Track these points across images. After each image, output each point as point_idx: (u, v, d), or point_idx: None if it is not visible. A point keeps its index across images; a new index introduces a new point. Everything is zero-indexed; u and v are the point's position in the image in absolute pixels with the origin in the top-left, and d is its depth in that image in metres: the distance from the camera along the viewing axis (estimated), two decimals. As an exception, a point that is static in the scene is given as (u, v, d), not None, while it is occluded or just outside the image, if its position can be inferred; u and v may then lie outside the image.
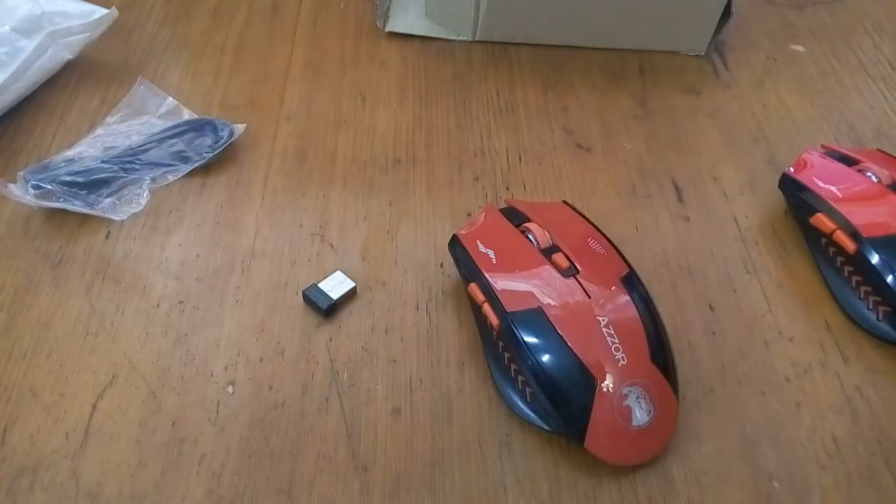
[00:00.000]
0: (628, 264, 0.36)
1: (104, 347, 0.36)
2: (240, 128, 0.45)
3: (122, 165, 0.42)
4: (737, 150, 0.46)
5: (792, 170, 0.41)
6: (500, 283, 0.34)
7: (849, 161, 0.41)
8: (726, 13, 0.50)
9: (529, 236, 0.36)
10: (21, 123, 0.46)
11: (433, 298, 0.38)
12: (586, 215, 0.39)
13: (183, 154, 0.44)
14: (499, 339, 0.34)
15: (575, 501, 0.32)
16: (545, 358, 0.32)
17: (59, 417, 0.33)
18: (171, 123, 0.45)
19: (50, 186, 0.40)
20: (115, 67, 0.50)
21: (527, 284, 0.34)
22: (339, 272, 0.38)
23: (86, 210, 0.40)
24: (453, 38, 0.53)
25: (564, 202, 0.40)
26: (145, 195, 0.41)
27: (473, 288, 0.35)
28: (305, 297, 0.38)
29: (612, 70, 0.52)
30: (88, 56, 0.50)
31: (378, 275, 0.39)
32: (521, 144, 0.46)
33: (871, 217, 0.37)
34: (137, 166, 0.43)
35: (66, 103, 0.47)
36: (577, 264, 0.34)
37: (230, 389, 0.35)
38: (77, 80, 0.49)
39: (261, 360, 0.36)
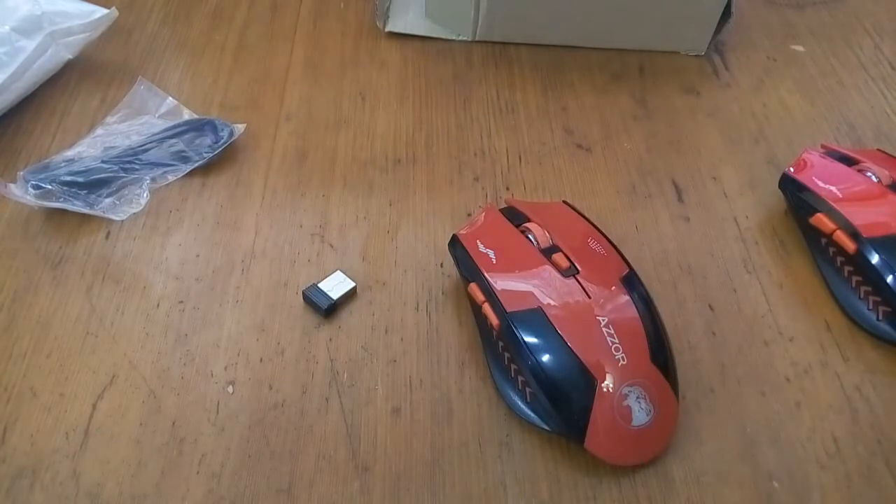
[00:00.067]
0: (628, 264, 0.36)
1: (104, 347, 0.36)
2: (240, 128, 0.45)
3: (122, 165, 0.42)
4: (737, 150, 0.46)
5: (792, 170, 0.41)
6: (500, 283, 0.34)
7: (849, 161, 0.41)
8: (726, 13, 0.50)
9: (529, 236, 0.36)
10: (21, 123, 0.46)
11: (433, 298, 0.38)
12: (586, 215, 0.39)
13: (183, 154, 0.44)
14: (499, 339, 0.34)
15: (575, 501, 0.32)
16: (545, 358, 0.32)
17: (59, 417, 0.33)
18: (171, 123, 0.45)
19: (50, 186, 0.40)
20: (115, 67, 0.50)
21: (527, 284, 0.34)
22: (339, 272, 0.38)
23: (86, 210, 0.40)
24: (453, 38, 0.53)
25: (564, 202, 0.40)
26: (145, 195, 0.41)
27: (473, 288, 0.35)
28: (305, 297, 0.38)
29: (612, 70, 0.52)
30: (88, 56, 0.50)
31: (378, 275, 0.39)
32: (521, 144, 0.46)
33: (871, 217, 0.37)
34: (137, 166, 0.43)
35: (66, 103, 0.48)
36: (577, 264, 0.34)
37: (230, 389, 0.35)
38: (77, 80, 0.49)
39: (261, 360, 0.36)
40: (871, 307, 0.37)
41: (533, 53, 0.52)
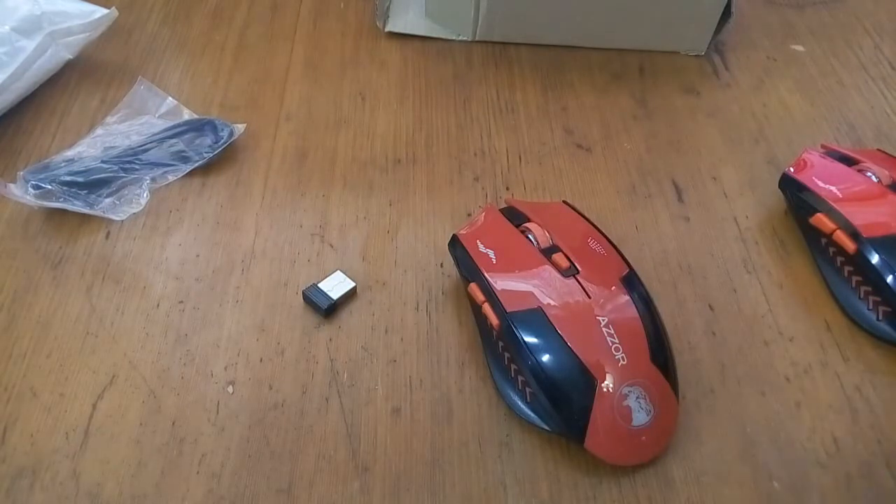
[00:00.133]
0: (628, 264, 0.36)
1: (104, 347, 0.36)
2: (240, 128, 0.45)
3: (122, 165, 0.42)
4: (737, 150, 0.46)
5: (792, 170, 0.41)
6: (500, 283, 0.34)
7: (849, 161, 0.41)
8: (726, 13, 0.50)
9: (529, 236, 0.36)
10: (21, 123, 0.46)
11: (433, 298, 0.38)
12: (586, 215, 0.39)
13: (183, 154, 0.44)
14: (499, 339, 0.34)
15: (575, 501, 0.32)
16: (545, 358, 0.32)
17: (59, 417, 0.33)
18: (171, 123, 0.45)
19: (50, 186, 0.40)
20: (115, 67, 0.50)
21: (527, 284, 0.34)
22: (339, 272, 0.38)
23: (86, 210, 0.40)
24: (453, 38, 0.53)
25: (564, 202, 0.40)
26: (145, 195, 0.41)
27: (473, 288, 0.35)
28: (305, 297, 0.38)
29: (612, 70, 0.52)
30: (88, 56, 0.50)
31: (378, 275, 0.39)
32: (521, 144, 0.46)
33: (871, 217, 0.37)
34: (137, 166, 0.43)
35: (66, 103, 0.48)
36: (577, 264, 0.34)
37: (230, 389, 0.35)
38: (77, 80, 0.49)
39: (261, 360, 0.36)
40: (871, 307, 0.37)
41: (533, 53, 0.52)
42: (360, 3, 0.56)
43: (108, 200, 0.41)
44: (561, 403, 0.32)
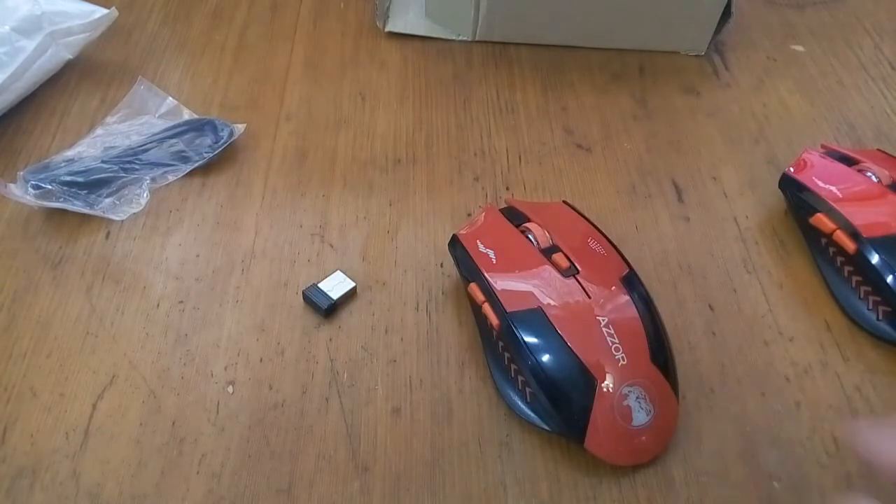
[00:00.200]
0: (628, 264, 0.36)
1: (104, 347, 0.36)
2: (240, 128, 0.45)
3: (122, 165, 0.42)
4: (737, 150, 0.46)
5: (792, 170, 0.41)
6: (500, 283, 0.34)
7: (849, 161, 0.41)
8: (726, 13, 0.50)
9: (529, 236, 0.36)
10: (21, 123, 0.46)
11: (433, 298, 0.38)
12: (586, 215, 0.39)
13: (183, 154, 0.44)
14: (499, 339, 0.34)
15: (575, 501, 0.32)
16: (545, 358, 0.32)
17: (59, 417, 0.33)
18: (171, 123, 0.45)
19: (50, 186, 0.40)
20: (115, 67, 0.50)
21: (527, 284, 0.34)
22: (339, 272, 0.38)
23: (86, 210, 0.40)
24: (453, 38, 0.53)
25: (564, 202, 0.40)
26: (145, 195, 0.41)
27: (473, 288, 0.35)
28: (305, 297, 0.38)
29: (612, 70, 0.52)
30: (88, 56, 0.50)
31: (378, 275, 0.39)
32: (521, 144, 0.46)
33: (871, 217, 0.37)
34: (137, 166, 0.43)
35: (66, 103, 0.47)
36: (577, 264, 0.34)
37: (230, 389, 0.35)
38: (77, 80, 0.49)
39: (261, 360, 0.36)
40: (871, 307, 0.37)
41: (533, 53, 0.52)
42: (360, 3, 0.56)
43: (108, 200, 0.41)
44: (561, 403, 0.32)
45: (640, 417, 0.31)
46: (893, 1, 0.59)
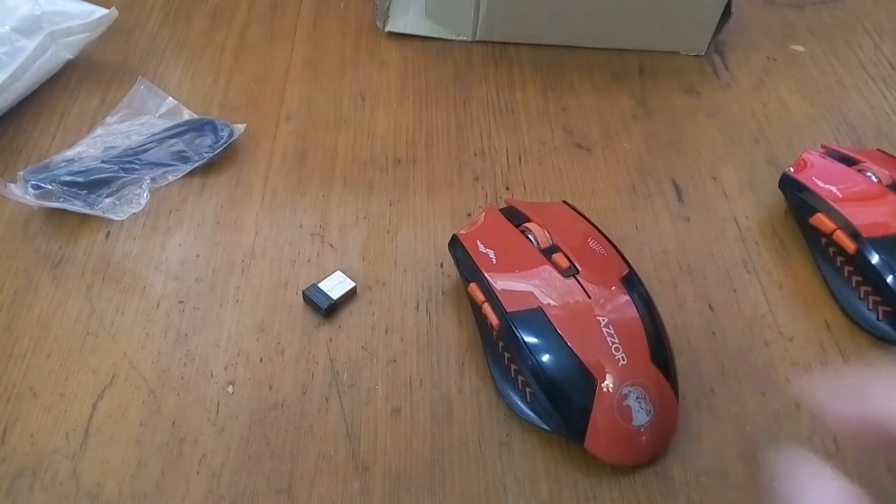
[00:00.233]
0: (628, 264, 0.36)
1: (104, 347, 0.36)
2: (240, 128, 0.45)
3: (122, 165, 0.42)
4: (737, 150, 0.46)
5: (792, 170, 0.41)
6: (500, 283, 0.34)
7: (849, 161, 0.41)
8: (726, 13, 0.50)
9: (529, 236, 0.36)
10: (21, 123, 0.46)
11: (433, 298, 0.38)
12: (586, 215, 0.39)
13: (183, 154, 0.44)
14: (499, 339, 0.34)
15: (575, 501, 0.32)
16: (545, 358, 0.32)
17: (59, 417, 0.33)
18: (171, 123, 0.45)
19: (50, 186, 0.40)
20: (115, 67, 0.50)
21: (527, 284, 0.34)
22: (339, 272, 0.38)
23: (86, 210, 0.40)
24: (453, 38, 0.53)
25: (564, 202, 0.40)
26: (145, 195, 0.41)
27: (473, 288, 0.35)
28: (305, 297, 0.38)
29: (612, 70, 0.52)
30: (88, 56, 0.50)
31: (378, 275, 0.39)
32: (521, 144, 0.46)
33: (871, 217, 0.37)
34: (137, 166, 0.43)
35: (66, 103, 0.48)
36: (577, 264, 0.34)
37: (230, 389, 0.35)
38: (77, 80, 0.49)
39: (261, 360, 0.36)
40: (871, 307, 0.37)
41: (533, 53, 0.52)
42: (360, 3, 0.56)
43: (108, 200, 0.41)
44: (561, 403, 0.32)
45: (640, 417, 0.31)
46: (893, 1, 0.59)
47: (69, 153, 0.43)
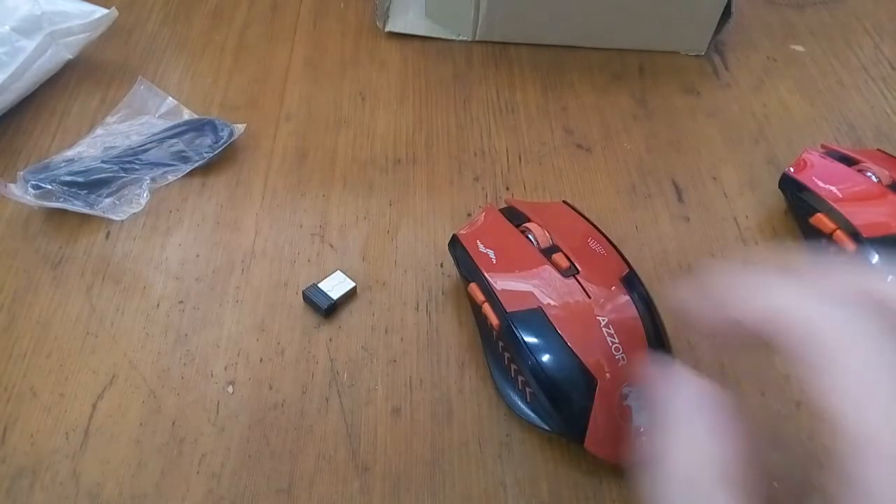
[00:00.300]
0: (628, 264, 0.36)
1: (104, 347, 0.36)
2: (240, 128, 0.45)
3: (122, 165, 0.42)
4: (737, 150, 0.46)
5: (792, 170, 0.41)
6: (500, 283, 0.34)
7: (849, 161, 0.41)
8: (726, 13, 0.50)
9: (529, 236, 0.36)
10: (21, 123, 0.46)
11: (433, 298, 0.38)
12: (586, 215, 0.39)
13: (183, 154, 0.44)
14: (499, 339, 0.34)
15: (575, 501, 0.32)
16: (545, 358, 0.32)
17: (59, 417, 0.33)
18: (171, 123, 0.45)
19: (50, 186, 0.40)
20: (115, 67, 0.50)
21: (527, 284, 0.34)
22: (339, 272, 0.38)
23: (86, 210, 0.40)
24: (453, 38, 0.53)
25: (564, 202, 0.40)
26: (145, 195, 0.41)
27: (473, 288, 0.35)
28: (305, 297, 0.38)
29: (612, 70, 0.52)
30: (88, 56, 0.50)
31: (378, 275, 0.39)
32: (521, 144, 0.46)
33: (871, 217, 0.37)
34: (137, 166, 0.43)
35: (66, 103, 0.48)
36: (577, 264, 0.34)
37: (230, 389, 0.35)
38: (77, 80, 0.49)
39: (261, 360, 0.36)
40: (871, 307, 0.37)
41: (533, 53, 0.52)
42: (360, 3, 0.56)
43: (108, 200, 0.41)
44: (561, 403, 0.32)
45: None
46: (893, 1, 0.59)
47: (69, 153, 0.43)
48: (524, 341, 0.32)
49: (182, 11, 0.55)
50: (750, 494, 0.20)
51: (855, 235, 0.37)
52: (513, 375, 0.34)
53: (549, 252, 0.35)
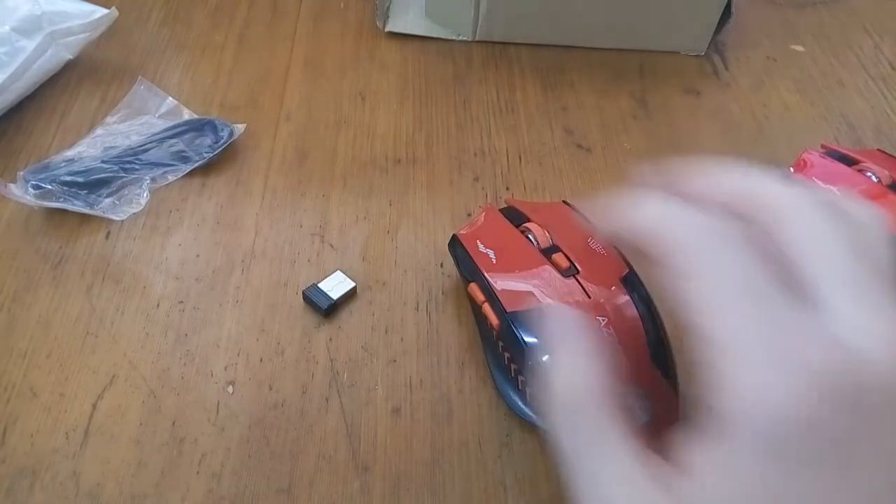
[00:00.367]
0: (628, 264, 0.36)
1: (104, 347, 0.36)
2: (240, 128, 0.45)
3: (122, 165, 0.42)
4: (737, 151, 0.46)
5: (792, 170, 0.41)
6: (500, 283, 0.34)
7: (849, 161, 0.40)
8: (726, 13, 0.50)
9: (529, 236, 0.36)
10: (21, 123, 0.46)
11: (433, 298, 0.38)
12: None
13: (183, 154, 0.44)
14: (499, 339, 0.34)
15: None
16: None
17: (59, 417, 0.33)
18: (171, 123, 0.45)
19: (50, 186, 0.40)
20: (115, 67, 0.50)
21: (527, 284, 0.34)
22: (339, 272, 0.38)
23: (86, 210, 0.40)
24: (453, 38, 0.53)
25: (564, 202, 0.40)
26: (145, 195, 0.41)
27: (473, 288, 0.35)
28: (305, 297, 0.38)
29: (612, 70, 0.52)
30: (88, 56, 0.50)
31: (378, 275, 0.39)
32: (521, 144, 0.46)
33: (871, 217, 0.37)
34: (137, 166, 0.43)
35: (66, 103, 0.47)
36: (577, 264, 0.34)
37: (230, 389, 0.35)
38: (77, 80, 0.49)
39: (261, 360, 0.36)
40: (871, 307, 0.37)
41: (533, 53, 0.52)
42: (360, 3, 0.56)
43: (108, 200, 0.41)
44: (561, 403, 0.32)
45: (640, 417, 0.31)
46: (893, 1, 0.59)
47: (69, 153, 0.43)
48: (524, 341, 0.32)
49: (182, 11, 0.55)
50: (628, 412, 0.21)
51: (855, 235, 0.37)
52: (513, 375, 0.34)
53: (549, 252, 0.35)
